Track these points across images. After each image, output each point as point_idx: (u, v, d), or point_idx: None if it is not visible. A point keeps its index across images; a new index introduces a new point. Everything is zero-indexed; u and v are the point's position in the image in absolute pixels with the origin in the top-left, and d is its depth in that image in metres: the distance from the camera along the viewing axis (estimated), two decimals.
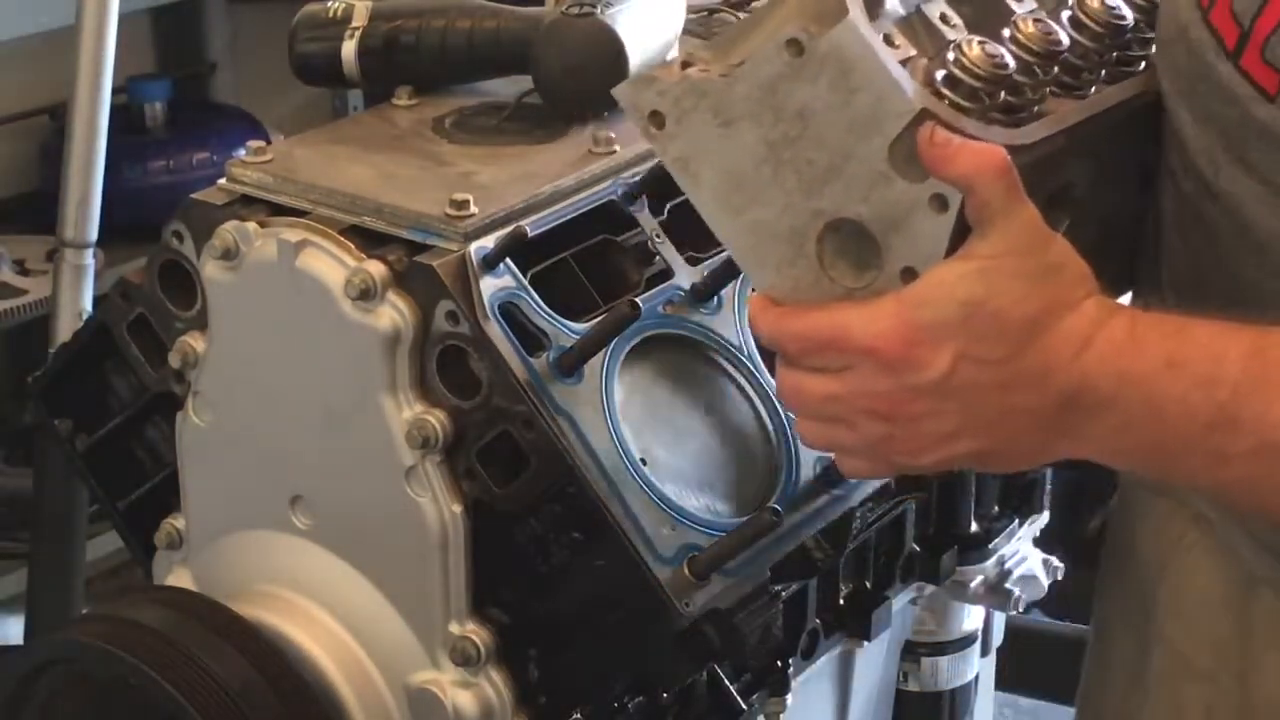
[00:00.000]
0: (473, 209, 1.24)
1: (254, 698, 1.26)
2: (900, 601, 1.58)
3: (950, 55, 1.11)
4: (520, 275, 1.24)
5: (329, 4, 1.47)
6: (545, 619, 1.27)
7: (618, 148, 1.35)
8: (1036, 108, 1.16)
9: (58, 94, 2.45)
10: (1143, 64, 1.26)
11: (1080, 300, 1.04)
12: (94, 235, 2.18)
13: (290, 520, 1.33)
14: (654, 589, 1.21)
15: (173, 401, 1.38)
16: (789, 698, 1.40)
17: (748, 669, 1.38)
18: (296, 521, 1.33)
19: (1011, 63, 1.12)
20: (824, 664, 1.50)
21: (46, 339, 2.18)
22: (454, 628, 1.27)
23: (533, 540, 1.25)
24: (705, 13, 1.62)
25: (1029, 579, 1.69)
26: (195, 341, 1.33)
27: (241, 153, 1.34)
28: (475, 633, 1.27)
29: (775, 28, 1.08)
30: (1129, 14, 1.22)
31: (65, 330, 2.15)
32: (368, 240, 1.26)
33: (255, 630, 1.30)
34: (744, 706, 1.35)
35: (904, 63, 1.11)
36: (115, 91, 2.19)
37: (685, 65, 1.12)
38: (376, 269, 1.23)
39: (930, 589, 1.64)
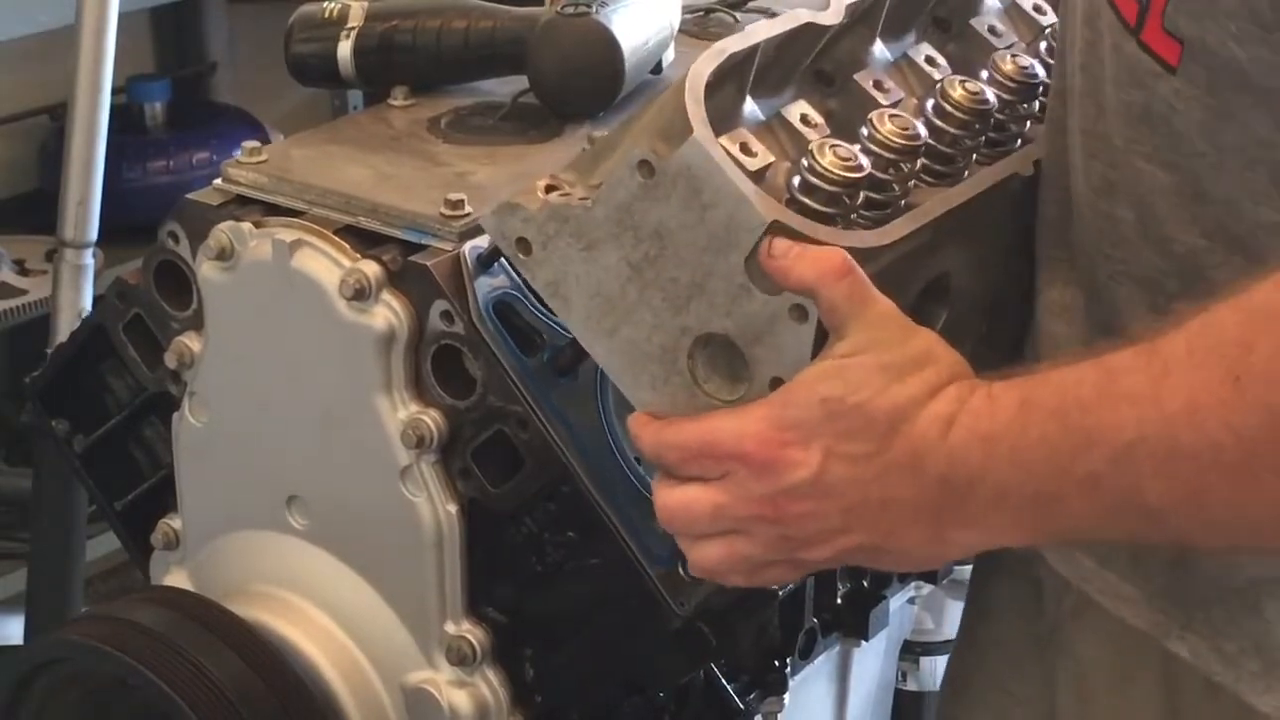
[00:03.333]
0: (468, 209, 1.24)
1: (250, 698, 1.26)
2: (898, 601, 1.58)
3: (804, 161, 1.12)
4: (515, 274, 1.24)
5: (325, 4, 1.47)
6: (541, 618, 1.27)
7: None
8: (905, 200, 1.17)
9: (58, 94, 2.46)
10: (1019, 141, 1.27)
11: (944, 386, 1.04)
12: (94, 235, 2.18)
13: (286, 520, 1.33)
14: (649, 588, 1.21)
15: (169, 402, 1.38)
16: (786, 697, 1.40)
17: (745, 668, 1.38)
18: (292, 521, 1.33)
19: (866, 164, 1.13)
20: (822, 663, 1.50)
21: (46, 339, 2.18)
22: (449, 627, 1.27)
23: (528, 539, 1.25)
24: (701, 13, 1.62)
25: None
26: (191, 342, 1.33)
27: (238, 153, 1.34)
28: (471, 632, 1.27)
29: (628, 148, 1.10)
30: (992, 96, 1.23)
31: (65, 330, 2.15)
32: (363, 240, 1.26)
33: (252, 630, 1.30)
34: (741, 706, 1.35)
35: (763, 170, 1.12)
36: (115, 91, 2.19)
37: (549, 188, 1.13)
38: (371, 269, 1.23)
39: (928, 588, 1.64)
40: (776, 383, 1.07)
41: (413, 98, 1.45)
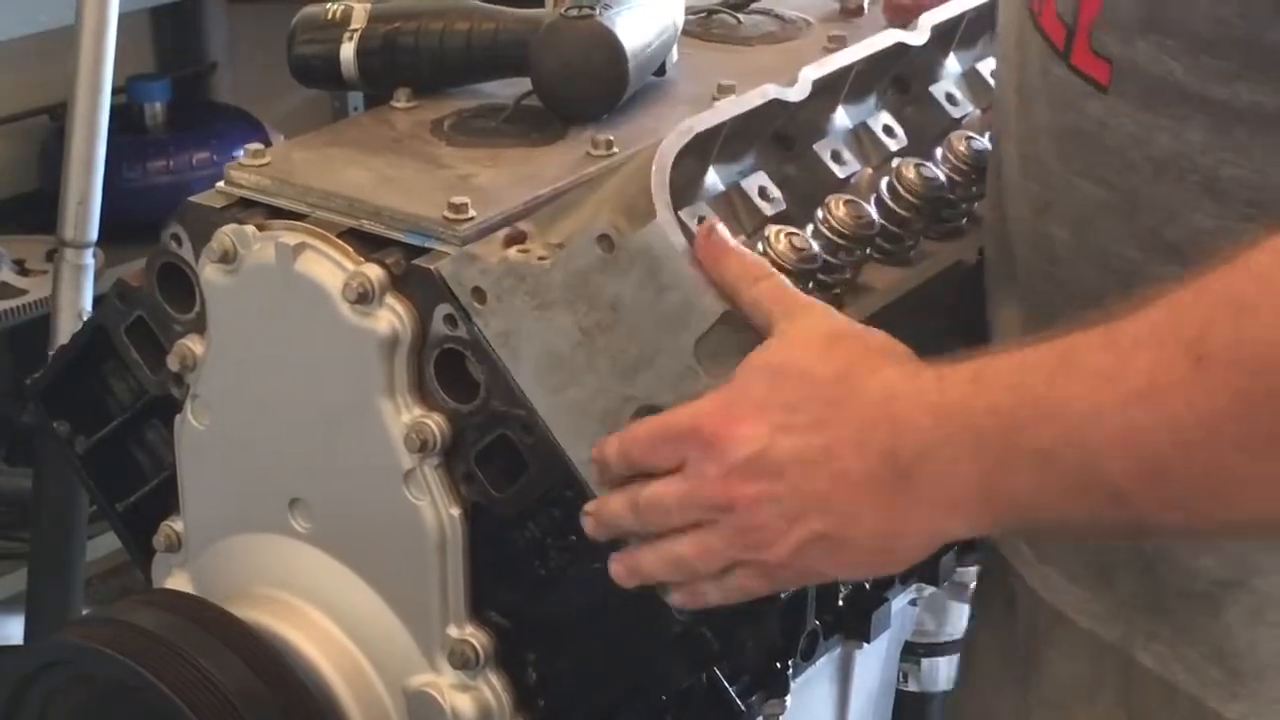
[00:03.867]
0: (471, 212, 1.24)
1: (252, 701, 1.26)
2: (900, 602, 1.57)
3: (760, 247, 1.17)
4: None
5: (328, 6, 1.47)
6: (544, 622, 1.27)
7: (617, 150, 1.34)
8: (856, 278, 1.22)
9: (58, 94, 2.46)
10: (965, 219, 1.31)
11: (882, 365, 1.05)
12: (94, 235, 2.19)
13: (289, 524, 1.33)
14: (652, 591, 1.21)
15: (171, 404, 1.38)
16: (788, 699, 1.40)
17: (746, 670, 1.37)
18: (295, 525, 1.32)
19: (818, 251, 1.18)
20: (823, 665, 1.50)
21: (46, 339, 2.18)
22: (452, 631, 1.27)
23: (531, 544, 1.25)
24: (705, 14, 1.62)
25: None
26: (194, 344, 1.33)
27: (240, 155, 1.34)
28: (473, 636, 1.27)
29: (591, 215, 1.12)
30: (944, 178, 1.26)
31: (65, 330, 2.15)
32: (366, 243, 1.26)
33: (254, 633, 1.30)
34: (743, 708, 1.35)
35: None
36: (115, 91, 2.19)
37: (510, 241, 1.17)
38: (374, 272, 1.22)
39: (930, 590, 1.64)
40: None
41: (415, 100, 1.45)
